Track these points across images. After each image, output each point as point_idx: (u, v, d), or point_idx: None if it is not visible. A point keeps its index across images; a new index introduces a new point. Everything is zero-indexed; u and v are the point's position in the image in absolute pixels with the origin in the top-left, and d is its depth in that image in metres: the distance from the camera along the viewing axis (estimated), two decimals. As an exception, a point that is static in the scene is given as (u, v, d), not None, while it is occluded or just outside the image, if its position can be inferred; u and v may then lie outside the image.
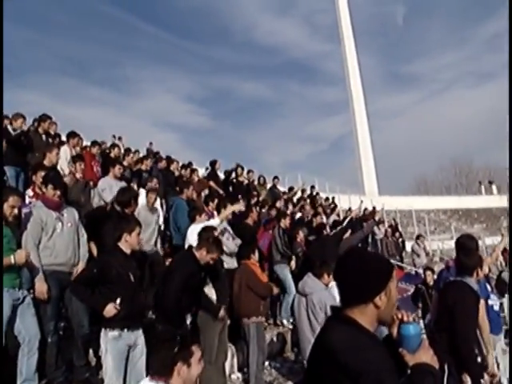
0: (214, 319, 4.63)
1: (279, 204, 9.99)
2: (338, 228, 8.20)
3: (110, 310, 3.55)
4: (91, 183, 6.47)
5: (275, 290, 5.76)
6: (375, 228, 13.51)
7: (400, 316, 1.66)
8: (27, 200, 5.10)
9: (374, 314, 1.60)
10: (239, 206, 7.03)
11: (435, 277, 9.34)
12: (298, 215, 10.71)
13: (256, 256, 5.57)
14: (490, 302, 4.31)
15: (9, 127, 7.11)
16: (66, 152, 7.31)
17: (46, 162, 5.85)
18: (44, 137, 7.55)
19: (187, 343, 2.23)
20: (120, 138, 12.13)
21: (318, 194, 15.33)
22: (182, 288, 4.15)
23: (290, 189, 13.54)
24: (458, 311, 3.28)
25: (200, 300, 4.54)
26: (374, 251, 10.72)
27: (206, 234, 4.81)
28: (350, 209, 15.16)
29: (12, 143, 6.12)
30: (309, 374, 1.66)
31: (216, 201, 6.98)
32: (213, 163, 10.74)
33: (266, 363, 5.90)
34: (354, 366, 1.43)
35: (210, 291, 4.79)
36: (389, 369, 1.47)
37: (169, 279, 4.23)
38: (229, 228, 6.35)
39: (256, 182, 11.94)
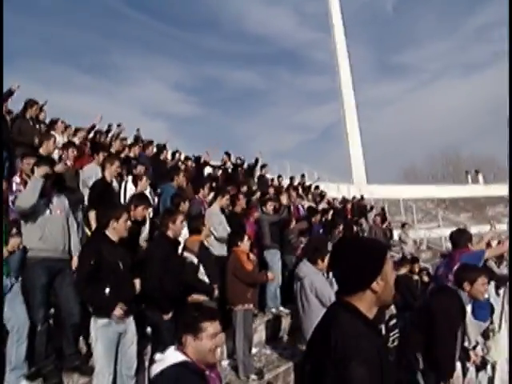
0: (210, 303, 4.67)
1: (271, 192, 10.00)
2: None
3: (118, 312, 3.60)
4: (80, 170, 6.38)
5: (270, 276, 5.76)
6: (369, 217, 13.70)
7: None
8: (14, 187, 5.01)
9: (372, 299, 1.60)
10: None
11: (422, 264, 9.51)
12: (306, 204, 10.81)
13: (245, 243, 5.57)
14: None
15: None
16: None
17: (42, 151, 5.72)
18: (31, 122, 7.40)
19: (198, 319, 2.30)
20: (119, 125, 12.02)
21: (302, 181, 15.27)
22: (161, 271, 4.15)
23: (279, 177, 13.55)
24: (439, 321, 3.28)
25: (186, 285, 4.53)
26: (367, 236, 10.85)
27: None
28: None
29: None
30: (307, 356, 1.67)
31: (207, 187, 7.10)
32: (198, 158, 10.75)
33: (256, 350, 5.94)
34: (346, 353, 1.44)
35: (203, 277, 4.85)
36: (378, 359, 1.49)
37: (147, 265, 4.23)
38: (222, 217, 6.39)
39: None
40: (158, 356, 2.31)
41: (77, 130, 8.98)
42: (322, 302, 4.90)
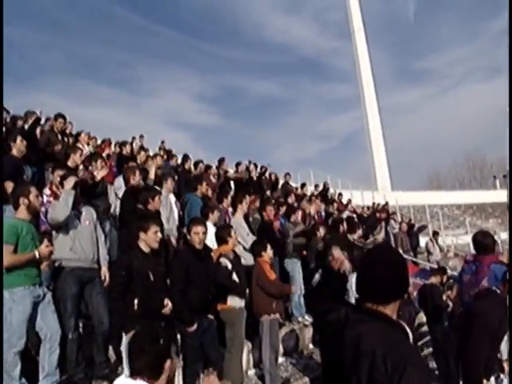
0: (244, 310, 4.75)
1: (291, 200, 9.99)
2: None
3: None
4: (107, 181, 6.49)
5: (292, 289, 5.75)
6: (391, 222, 13.54)
7: None
8: (45, 199, 5.15)
9: (397, 307, 1.66)
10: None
11: (449, 272, 9.28)
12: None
13: (268, 252, 5.56)
14: None
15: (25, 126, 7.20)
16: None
17: (69, 163, 5.89)
18: (60, 136, 7.62)
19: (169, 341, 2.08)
20: (142, 137, 12.31)
21: (328, 189, 15.19)
22: (182, 279, 4.17)
23: (303, 185, 13.50)
24: (476, 324, 3.18)
25: (216, 291, 4.56)
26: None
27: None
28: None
29: (28, 142, 6.14)
30: (334, 367, 1.65)
31: (230, 197, 7.12)
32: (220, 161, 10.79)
33: (283, 359, 5.92)
34: (399, 364, 1.43)
35: None
36: (425, 365, 1.51)
37: (169, 274, 4.27)
38: (245, 225, 6.41)
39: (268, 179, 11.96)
40: None
41: (102, 142, 9.23)
42: None
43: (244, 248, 6.03)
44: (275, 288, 5.34)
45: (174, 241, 5.81)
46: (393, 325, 1.59)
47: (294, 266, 7.18)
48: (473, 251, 4.67)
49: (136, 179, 5.86)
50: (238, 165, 11.08)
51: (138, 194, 5.45)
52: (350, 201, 15.14)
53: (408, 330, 1.64)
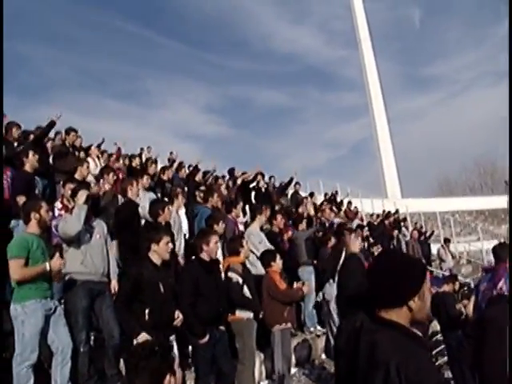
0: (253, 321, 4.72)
1: (301, 209, 9.97)
2: None
3: (142, 338, 3.56)
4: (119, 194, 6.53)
5: (305, 289, 5.66)
6: (403, 230, 13.42)
7: None
8: (56, 212, 5.20)
9: (407, 316, 1.60)
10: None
11: (462, 279, 9.21)
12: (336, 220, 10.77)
13: (277, 262, 5.53)
14: None
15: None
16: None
17: (77, 176, 5.94)
18: (71, 150, 7.71)
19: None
20: (149, 148, 12.48)
21: (334, 197, 15.13)
22: (192, 292, 4.16)
23: (311, 194, 13.49)
24: (490, 331, 3.13)
25: (227, 304, 4.53)
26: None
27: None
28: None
29: (40, 155, 6.18)
30: (348, 377, 1.63)
31: (239, 206, 7.14)
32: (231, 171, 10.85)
33: (295, 370, 5.87)
34: (411, 378, 1.40)
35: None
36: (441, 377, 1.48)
37: (178, 286, 4.26)
38: (262, 235, 6.41)
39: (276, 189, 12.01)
40: None
41: (110, 156, 9.35)
42: None
43: (257, 257, 6.02)
44: (287, 297, 5.32)
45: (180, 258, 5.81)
46: (408, 335, 1.56)
47: (309, 276, 7.13)
48: (485, 257, 4.66)
49: (134, 191, 5.85)
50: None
51: (135, 206, 5.48)
52: (356, 208, 15.08)
53: (425, 342, 1.61)
